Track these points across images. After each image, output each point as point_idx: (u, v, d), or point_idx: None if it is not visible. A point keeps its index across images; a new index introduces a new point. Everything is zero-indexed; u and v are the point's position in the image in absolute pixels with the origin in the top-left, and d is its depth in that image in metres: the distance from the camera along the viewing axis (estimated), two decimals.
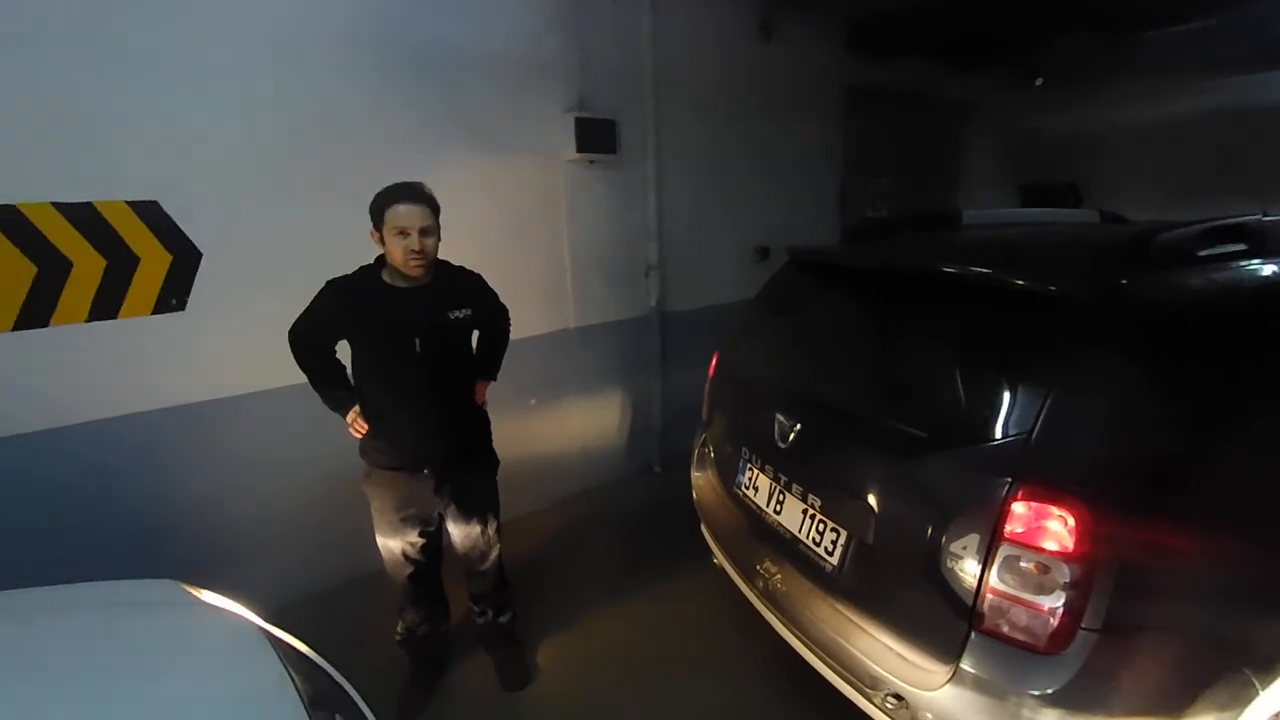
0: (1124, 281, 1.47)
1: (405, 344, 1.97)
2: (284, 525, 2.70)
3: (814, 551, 1.83)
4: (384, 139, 2.72)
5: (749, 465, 2.16)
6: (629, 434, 4.02)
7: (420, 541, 2.17)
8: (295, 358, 2.07)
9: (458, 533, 2.25)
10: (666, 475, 4.07)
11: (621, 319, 3.80)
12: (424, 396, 2.03)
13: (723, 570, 2.34)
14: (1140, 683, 1.32)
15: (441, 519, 2.22)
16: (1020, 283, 1.52)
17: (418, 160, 2.79)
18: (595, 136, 3.37)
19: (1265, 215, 1.78)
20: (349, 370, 2.13)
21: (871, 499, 1.65)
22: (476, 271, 2.21)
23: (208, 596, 1.49)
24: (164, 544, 2.41)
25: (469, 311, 2.10)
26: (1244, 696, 1.38)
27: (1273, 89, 5.47)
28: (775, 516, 2.00)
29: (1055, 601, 1.32)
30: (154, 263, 2.30)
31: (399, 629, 2.34)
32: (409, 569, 2.19)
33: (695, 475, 2.58)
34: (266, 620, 1.45)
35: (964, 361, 1.58)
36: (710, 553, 2.45)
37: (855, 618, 1.70)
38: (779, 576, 1.96)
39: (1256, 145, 5.70)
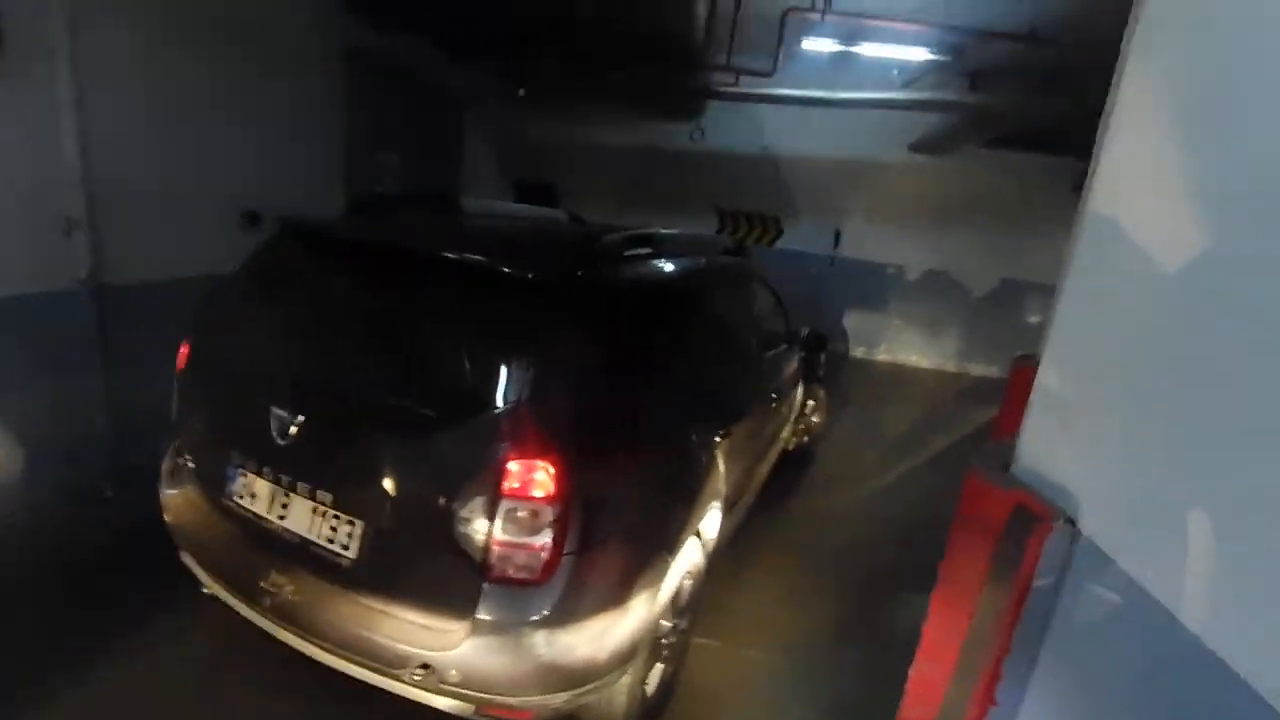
0: (580, 273, 1.84)
1: None
2: None
3: (328, 550, 1.70)
4: None
5: (242, 471, 1.83)
6: (58, 453, 2.90)
7: None
8: None
9: None
10: (124, 498, 3.11)
11: (24, 293, 2.68)
12: None
13: (216, 598, 1.95)
14: (601, 586, 1.71)
15: None
16: (507, 270, 1.72)
17: None
18: None
19: (662, 229, 2.50)
20: None
21: (387, 483, 1.63)
22: None
23: None
24: None
25: None
26: (663, 570, 1.94)
27: (670, 135, 7.80)
28: (280, 522, 1.77)
29: (545, 539, 1.57)
30: None
31: None
32: None
33: (168, 493, 2.06)
34: None
35: (461, 339, 1.70)
36: (197, 583, 2.00)
37: (377, 604, 1.67)
38: (290, 587, 1.76)
39: (665, 174, 8.12)
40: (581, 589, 1.64)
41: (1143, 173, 1.30)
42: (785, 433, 3.86)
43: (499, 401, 1.58)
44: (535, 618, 1.59)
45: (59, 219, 2.77)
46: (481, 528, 1.56)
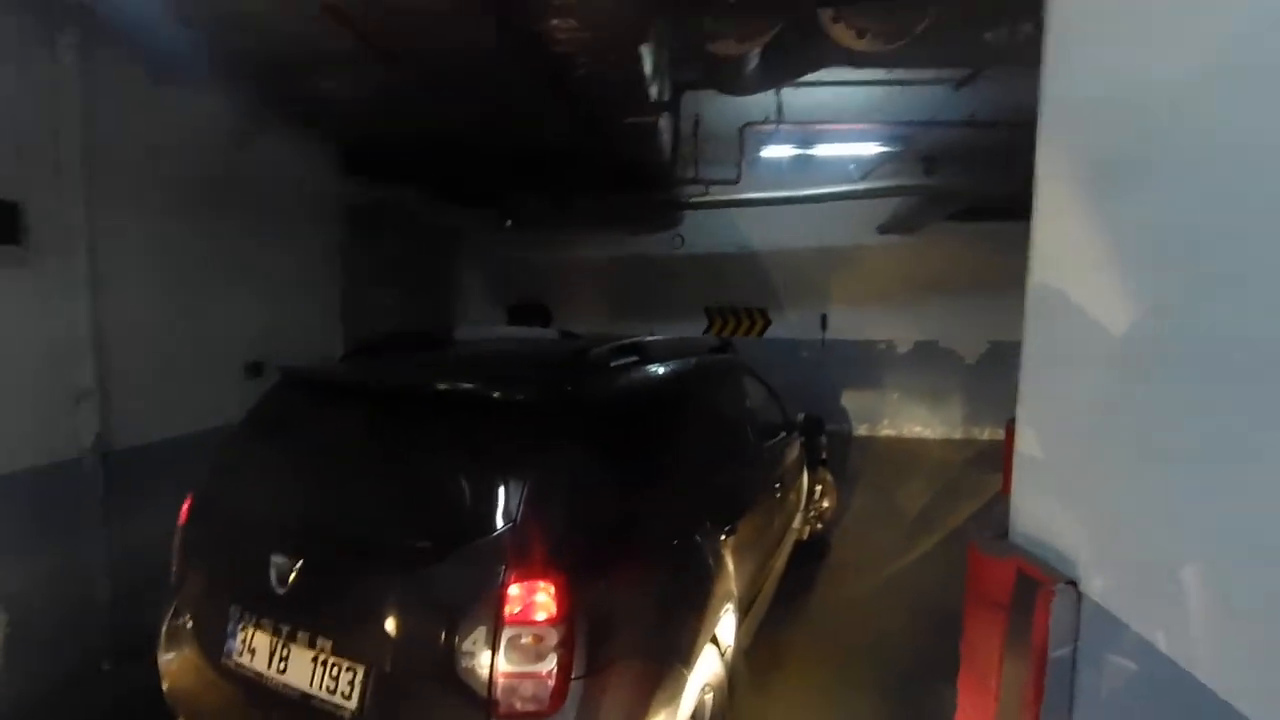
0: (568, 389, 1.91)
1: None
2: None
3: (329, 703, 1.64)
4: None
5: (241, 625, 1.80)
6: (55, 626, 2.84)
7: None
8: None
9: None
10: (124, 670, 3.01)
11: (30, 467, 2.73)
12: None
13: None
14: (615, 709, 1.63)
15: None
16: (496, 395, 1.79)
17: None
18: None
19: (650, 335, 2.61)
20: None
21: (387, 623, 1.60)
22: None
23: None
24: None
25: None
26: (680, 685, 1.86)
27: (653, 245, 8.22)
28: (280, 678, 1.72)
29: (550, 664, 1.52)
30: None
31: None
32: None
33: (165, 658, 2.00)
34: None
35: (455, 467, 1.74)
36: None
37: None
38: None
39: (652, 282, 8.49)
40: (594, 715, 1.57)
41: (1069, 240, 1.40)
42: (796, 522, 3.79)
43: (494, 526, 1.59)
44: None
45: (71, 391, 2.89)
46: (485, 660, 1.52)
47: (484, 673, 1.51)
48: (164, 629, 2.06)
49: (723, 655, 2.23)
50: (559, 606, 1.53)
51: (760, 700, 2.72)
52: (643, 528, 1.95)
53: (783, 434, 3.67)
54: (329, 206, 4.88)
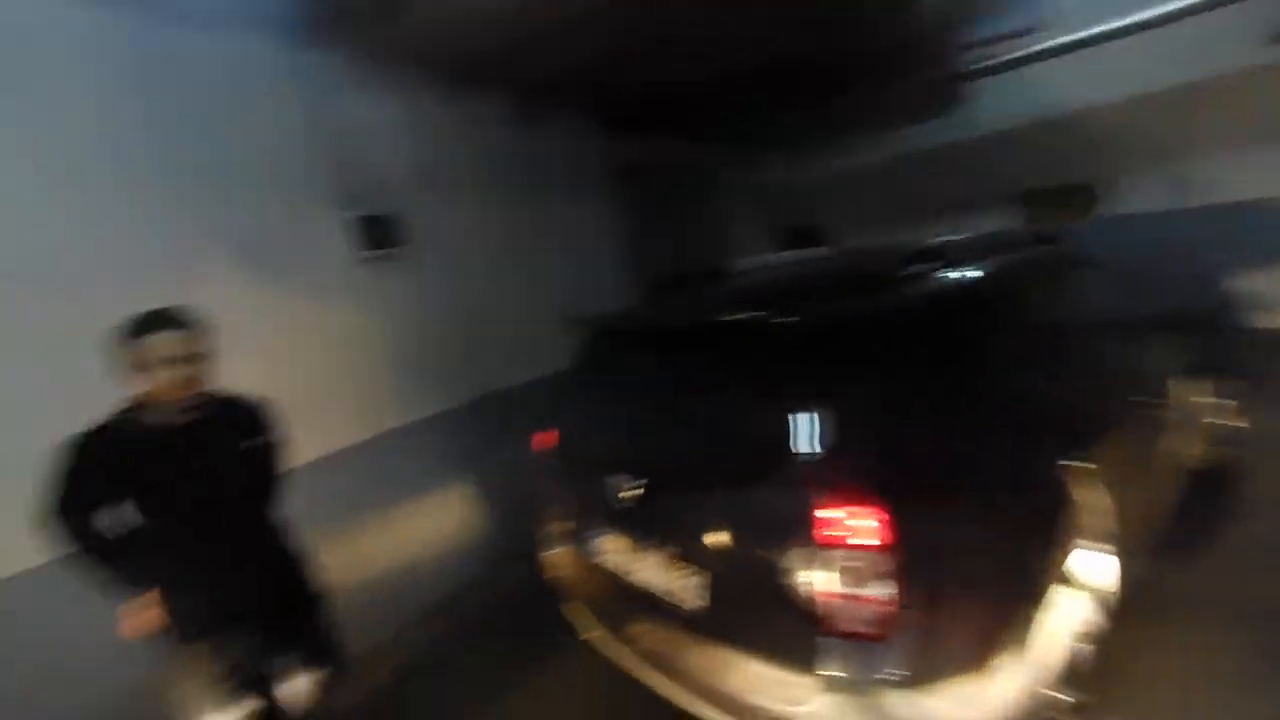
0: (865, 304, 1.76)
1: (198, 488, 1.79)
2: None
3: (679, 600, 1.85)
4: (159, 262, 2.54)
5: (604, 532, 2.15)
6: (490, 524, 3.83)
7: (262, 704, 1.90)
8: (70, 538, 1.71)
9: (300, 685, 2.02)
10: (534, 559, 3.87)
11: (434, 414, 3.64)
12: (230, 544, 1.86)
13: (593, 644, 2.26)
14: (952, 644, 1.52)
15: (274, 674, 1.98)
16: (791, 320, 1.74)
17: (192, 281, 2.60)
18: (378, 233, 3.35)
19: (945, 237, 2.26)
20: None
21: (722, 537, 1.73)
22: (255, 397, 2.04)
23: None
24: None
25: (263, 439, 1.99)
26: (1028, 627, 1.63)
27: (940, 131, 7.04)
28: (638, 576, 2.00)
29: (875, 590, 1.47)
30: None
31: None
32: None
33: (552, 553, 2.51)
34: None
35: (762, 395, 1.75)
36: (578, 630, 2.36)
37: (726, 654, 1.75)
38: (651, 634, 1.96)
39: (941, 177, 7.32)
40: (930, 647, 1.49)
41: None
42: (1191, 444, 2.97)
43: (807, 452, 1.57)
44: (883, 676, 1.48)
45: (454, 356, 3.74)
46: (812, 580, 1.53)
47: (810, 591, 1.53)
48: (549, 531, 2.54)
49: (1096, 600, 1.89)
50: (881, 533, 1.46)
51: (1137, 657, 2.24)
52: (975, 451, 1.72)
53: (1150, 331, 2.88)
54: (599, 166, 5.30)
